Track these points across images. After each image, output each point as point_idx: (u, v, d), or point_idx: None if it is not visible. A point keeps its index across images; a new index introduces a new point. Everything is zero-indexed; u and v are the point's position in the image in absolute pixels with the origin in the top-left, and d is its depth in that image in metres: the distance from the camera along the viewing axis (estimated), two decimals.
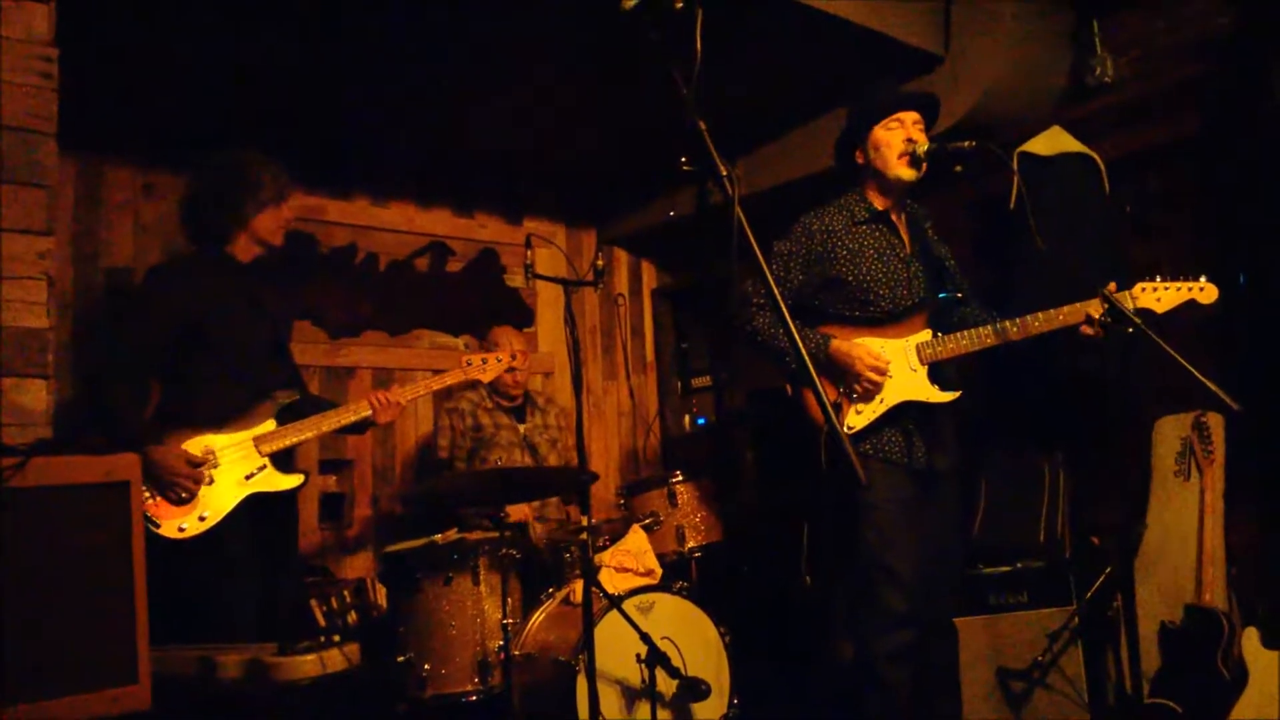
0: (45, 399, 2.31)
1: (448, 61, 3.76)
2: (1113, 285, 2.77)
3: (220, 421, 2.97)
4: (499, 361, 3.43)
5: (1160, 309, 2.80)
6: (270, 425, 3.02)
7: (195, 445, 2.91)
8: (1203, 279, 2.83)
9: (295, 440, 3.04)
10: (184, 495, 2.84)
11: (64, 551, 1.61)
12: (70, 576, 1.61)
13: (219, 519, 2.88)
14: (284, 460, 3.05)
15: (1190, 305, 2.82)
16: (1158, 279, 2.83)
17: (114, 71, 3.64)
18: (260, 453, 2.98)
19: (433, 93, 4.04)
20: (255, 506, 2.95)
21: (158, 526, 2.79)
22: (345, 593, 3.95)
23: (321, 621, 3.80)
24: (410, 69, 3.81)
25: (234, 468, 2.94)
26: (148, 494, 2.80)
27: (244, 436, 2.98)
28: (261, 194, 3.09)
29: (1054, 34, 4.01)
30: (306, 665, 2.03)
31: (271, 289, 3.22)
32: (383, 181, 4.85)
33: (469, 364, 3.40)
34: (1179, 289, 2.82)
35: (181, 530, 2.82)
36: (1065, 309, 2.83)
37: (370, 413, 3.16)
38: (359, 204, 4.79)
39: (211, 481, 2.89)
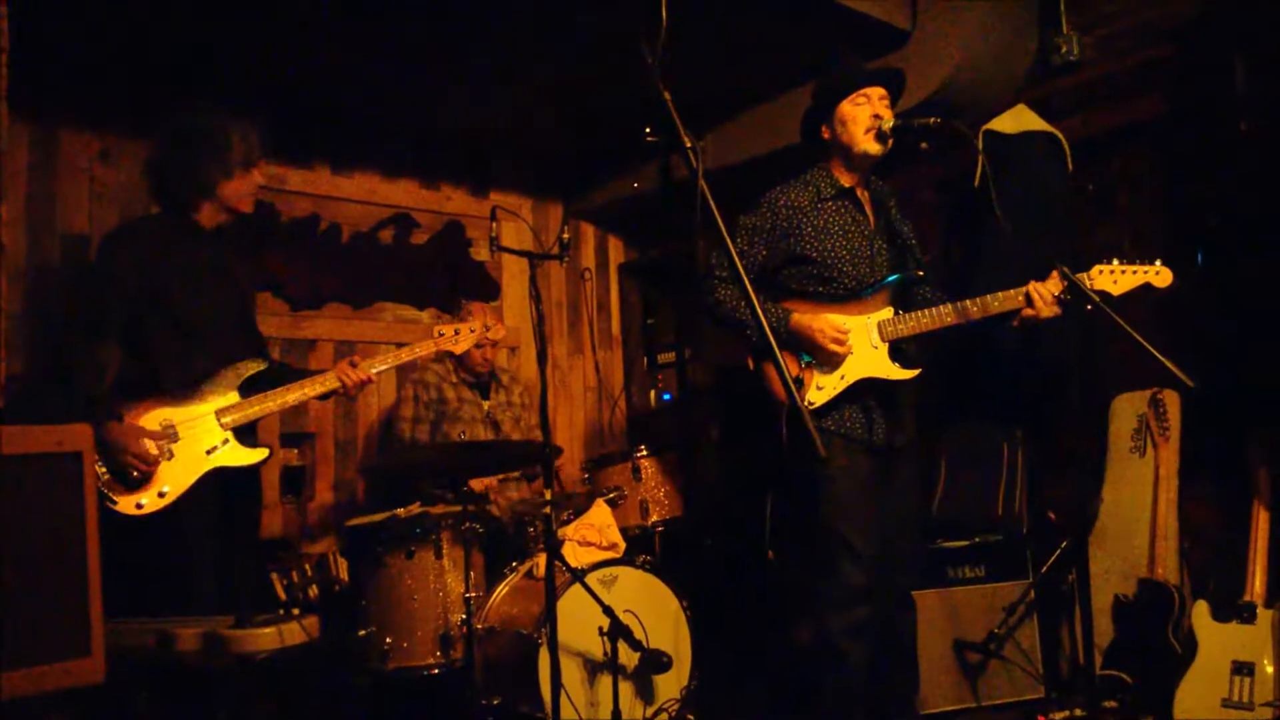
0: None
1: (413, 32, 3.71)
2: (1063, 269, 2.79)
3: (181, 393, 2.89)
4: (471, 332, 3.31)
5: (1116, 291, 2.83)
6: (233, 397, 2.95)
7: (154, 418, 2.84)
8: (1158, 263, 2.86)
9: (258, 413, 2.97)
10: (136, 475, 2.76)
11: (13, 521, 1.58)
12: (20, 547, 1.58)
13: (179, 494, 2.81)
14: (247, 433, 2.98)
15: (1146, 287, 2.85)
16: (1115, 262, 2.85)
17: (69, 35, 3.55)
18: (222, 425, 2.91)
19: (398, 63, 3.98)
20: (216, 480, 2.89)
21: (114, 504, 2.72)
22: (306, 566, 3.93)
23: (282, 595, 3.77)
24: (375, 37, 3.75)
25: (195, 442, 2.87)
26: (104, 471, 2.73)
27: (206, 409, 2.90)
28: (230, 158, 2.98)
29: (1021, 11, 4.02)
30: (264, 638, 2.02)
31: (235, 257, 3.14)
32: (345, 150, 4.77)
33: (440, 335, 3.29)
34: (1135, 272, 2.85)
35: (140, 507, 2.76)
36: (1023, 288, 2.86)
37: (337, 386, 3.09)
38: (320, 173, 4.71)
39: (171, 456, 2.82)
